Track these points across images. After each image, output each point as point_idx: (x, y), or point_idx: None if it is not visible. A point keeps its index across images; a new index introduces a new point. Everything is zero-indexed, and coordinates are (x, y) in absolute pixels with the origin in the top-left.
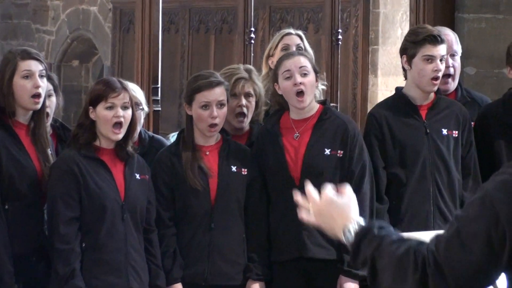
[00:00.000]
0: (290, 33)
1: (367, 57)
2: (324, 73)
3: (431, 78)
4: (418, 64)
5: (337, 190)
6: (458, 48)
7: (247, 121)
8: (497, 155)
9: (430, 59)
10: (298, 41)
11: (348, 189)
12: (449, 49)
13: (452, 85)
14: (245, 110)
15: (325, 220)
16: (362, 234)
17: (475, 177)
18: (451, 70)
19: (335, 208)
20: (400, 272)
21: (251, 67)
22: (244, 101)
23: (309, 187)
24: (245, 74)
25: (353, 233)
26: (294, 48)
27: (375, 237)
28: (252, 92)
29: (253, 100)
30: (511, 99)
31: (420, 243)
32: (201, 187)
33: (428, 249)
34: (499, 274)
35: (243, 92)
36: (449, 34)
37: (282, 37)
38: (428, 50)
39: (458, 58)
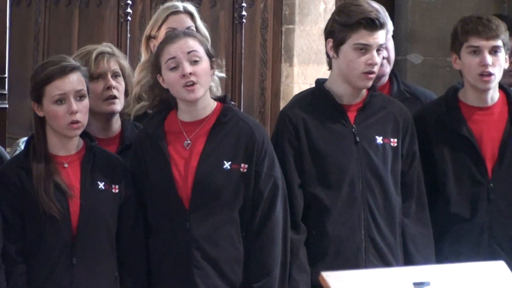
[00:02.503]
0: (177, 11)
1: (279, 39)
2: (223, 60)
3: (363, 72)
4: (347, 53)
5: None
6: (388, 24)
7: (120, 104)
8: (439, 167)
9: (364, 48)
10: (188, 22)
11: None
12: None
13: (388, 69)
14: (115, 92)
15: None
16: None
17: (419, 199)
18: (384, 52)
19: None
20: None
21: (111, 45)
22: (113, 82)
23: None
24: (107, 49)
25: None
26: None
27: None
28: (119, 71)
29: (122, 82)
30: (455, 97)
31: None
32: (58, 212)
33: None
34: None
35: (110, 70)
36: (379, 10)
37: (167, 17)
38: (362, 37)
39: (389, 37)
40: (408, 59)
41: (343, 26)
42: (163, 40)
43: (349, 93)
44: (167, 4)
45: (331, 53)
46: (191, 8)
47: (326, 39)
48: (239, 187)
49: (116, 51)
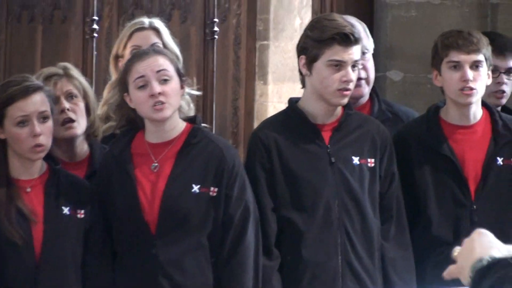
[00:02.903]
0: (141, 28)
1: (253, 56)
2: (194, 78)
3: (338, 89)
4: (321, 70)
5: None
6: (368, 42)
7: (79, 127)
8: (420, 188)
9: (339, 64)
10: (153, 38)
11: None
12: None
13: (367, 89)
14: (71, 114)
15: (464, 255)
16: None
17: (399, 221)
18: (362, 73)
19: (481, 241)
20: None
21: (67, 64)
22: (67, 104)
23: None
24: (58, 70)
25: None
26: None
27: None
28: (74, 91)
29: (79, 102)
30: (437, 116)
31: None
32: (20, 239)
33: None
34: None
35: (62, 93)
36: (355, 25)
37: (131, 34)
38: (336, 53)
39: (370, 56)
40: (388, 76)
41: (316, 42)
42: (132, 57)
43: (324, 112)
44: (133, 21)
45: (304, 71)
46: (158, 23)
47: (298, 56)
48: (208, 212)
49: (72, 70)
